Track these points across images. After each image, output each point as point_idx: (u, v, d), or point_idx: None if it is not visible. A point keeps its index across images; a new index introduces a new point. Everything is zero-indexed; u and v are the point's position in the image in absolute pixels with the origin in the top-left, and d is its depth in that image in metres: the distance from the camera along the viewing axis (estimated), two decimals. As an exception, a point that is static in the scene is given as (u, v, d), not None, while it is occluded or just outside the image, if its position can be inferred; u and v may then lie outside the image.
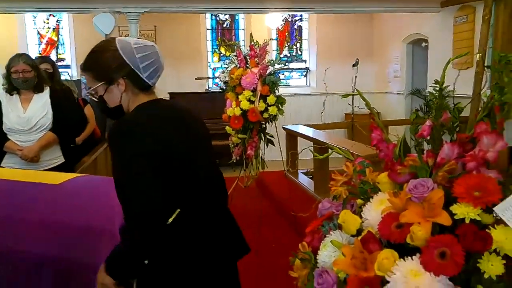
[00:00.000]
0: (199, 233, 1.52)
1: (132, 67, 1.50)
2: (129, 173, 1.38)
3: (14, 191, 1.83)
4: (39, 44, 7.77)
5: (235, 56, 3.95)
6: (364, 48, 8.31)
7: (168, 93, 7.42)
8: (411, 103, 7.37)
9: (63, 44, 7.87)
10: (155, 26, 7.53)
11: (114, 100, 1.55)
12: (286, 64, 7.70)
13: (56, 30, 7.84)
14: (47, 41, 7.80)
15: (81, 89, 5.25)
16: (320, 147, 4.23)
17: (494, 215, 0.87)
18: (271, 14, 7.60)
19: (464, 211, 0.87)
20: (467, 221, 0.86)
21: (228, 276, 1.64)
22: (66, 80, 4.52)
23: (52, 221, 1.68)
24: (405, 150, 1.08)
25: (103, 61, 1.51)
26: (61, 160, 3.26)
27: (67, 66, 7.75)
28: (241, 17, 8.32)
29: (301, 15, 8.57)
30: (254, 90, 3.70)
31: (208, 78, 8.11)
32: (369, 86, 8.20)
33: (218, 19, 8.34)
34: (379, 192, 1.05)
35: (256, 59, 3.79)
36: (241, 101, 3.70)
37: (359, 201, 1.08)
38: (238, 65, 3.83)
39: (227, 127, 3.91)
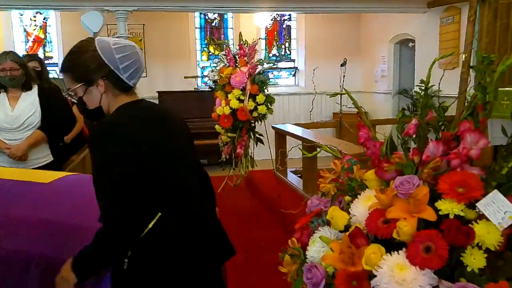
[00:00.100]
0: (181, 236, 1.50)
1: (112, 67, 1.48)
2: (107, 179, 1.37)
3: (3, 190, 1.82)
4: (25, 42, 7.69)
5: (224, 55, 3.96)
6: (352, 48, 8.36)
7: (157, 91, 7.40)
8: (398, 102, 7.43)
9: (51, 42, 7.79)
10: (143, 24, 7.49)
11: (94, 102, 1.52)
12: (275, 63, 7.73)
13: (43, 27, 7.75)
14: (34, 39, 7.72)
15: (69, 88, 5.20)
16: (309, 145, 4.27)
17: (477, 210, 0.90)
18: (260, 14, 7.61)
19: (448, 207, 0.90)
20: (451, 216, 0.89)
21: (211, 279, 1.61)
22: (54, 78, 4.48)
23: (41, 219, 1.67)
24: (392, 148, 1.11)
25: (82, 61, 1.48)
26: (49, 158, 3.24)
27: (55, 65, 7.67)
28: (230, 16, 8.31)
29: (289, 15, 8.60)
30: (243, 89, 3.72)
31: (197, 77, 8.10)
32: (357, 86, 8.26)
33: (207, 18, 8.33)
34: (367, 189, 1.07)
35: (245, 58, 3.80)
36: (230, 100, 3.72)
37: (347, 197, 1.10)
38: (228, 64, 3.85)
39: (216, 126, 3.92)
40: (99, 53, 1.47)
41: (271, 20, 8.55)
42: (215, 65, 4.11)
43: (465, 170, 0.96)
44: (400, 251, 0.89)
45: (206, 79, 7.44)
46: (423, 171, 0.98)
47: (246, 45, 3.86)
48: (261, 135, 3.95)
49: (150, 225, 1.43)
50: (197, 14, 8.12)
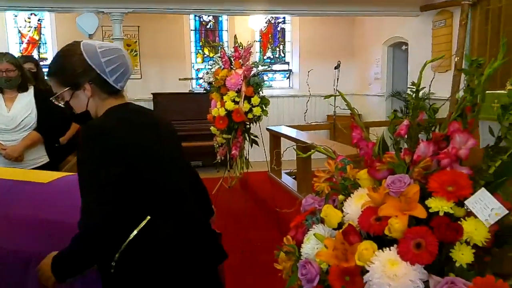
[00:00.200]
0: (171, 239, 1.49)
1: (98, 71, 1.48)
2: (93, 182, 1.36)
3: (2, 190, 1.83)
4: (20, 43, 7.67)
5: (219, 57, 3.98)
6: (346, 51, 8.41)
7: (152, 93, 7.41)
8: (392, 105, 7.48)
9: (45, 43, 7.77)
10: (138, 26, 7.50)
11: (81, 106, 1.52)
12: (270, 66, 7.76)
13: (38, 29, 7.74)
14: (28, 40, 7.70)
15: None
16: (304, 146, 4.30)
17: (466, 208, 0.92)
18: (255, 16, 7.64)
19: (438, 204, 0.92)
20: (441, 214, 0.91)
21: (203, 282, 1.59)
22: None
23: (40, 220, 1.68)
24: (384, 148, 1.13)
25: (68, 66, 1.48)
26: (45, 159, 3.25)
27: (49, 66, 7.65)
28: (224, 18, 8.34)
29: (284, 18, 8.63)
30: (238, 91, 3.75)
31: (192, 78, 8.11)
32: (351, 88, 8.31)
33: (201, 20, 8.35)
34: (359, 188, 1.09)
35: (240, 60, 3.83)
36: (225, 101, 3.74)
37: (341, 196, 1.13)
38: (223, 66, 3.87)
39: (212, 127, 3.94)
40: (85, 57, 1.47)
41: (266, 22, 8.59)
42: (210, 67, 4.14)
43: (454, 169, 0.99)
44: (391, 247, 0.91)
45: (201, 81, 7.46)
46: (414, 170, 1.00)
47: (241, 47, 3.89)
48: (256, 136, 3.98)
49: (138, 229, 1.43)
50: (192, 16, 8.13)
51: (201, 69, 8.14)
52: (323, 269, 1.01)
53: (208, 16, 8.21)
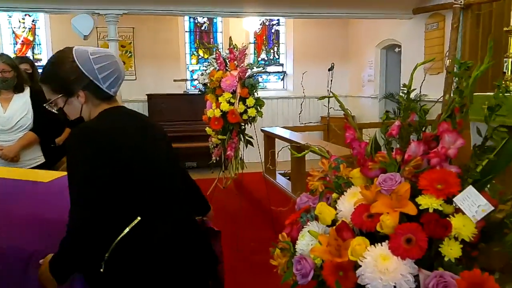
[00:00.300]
0: (161, 240, 1.49)
1: (91, 78, 1.48)
2: (82, 183, 1.36)
3: (3, 189, 1.84)
4: (14, 44, 7.64)
5: (214, 58, 4.01)
6: (340, 53, 8.45)
7: (146, 94, 7.42)
8: (385, 106, 7.53)
9: (40, 44, 7.75)
10: (133, 27, 7.50)
11: (75, 112, 1.52)
12: (264, 67, 7.79)
13: (32, 30, 7.71)
14: (22, 41, 7.68)
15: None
16: (298, 146, 4.33)
17: (454, 205, 0.96)
18: (249, 18, 7.67)
19: (428, 202, 0.95)
20: (430, 210, 0.94)
21: (193, 285, 1.58)
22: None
23: (41, 219, 1.69)
24: (376, 148, 1.17)
25: (61, 73, 1.47)
26: (41, 160, 3.26)
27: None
28: (219, 20, 8.35)
29: (278, 20, 8.67)
30: (233, 92, 3.77)
31: (186, 80, 8.12)
32: (344, 90, 8.36)
33: (196, 21, 8.36)
34: (352, 186, 1.12)
35: (236, 62, 3.86)
36: (221, 102, 3.77)
37: (334, 194, 1.15)
38: (218, 67, 3.90)
39: (207, 128, 3.97)
40: (78, 64, 1.46)
41: (260, 24, 8.62)
42: (205, 68, 4.16)
43: (443, 168, 1.02)
44: (383, 243, 0.94)
45: (195, 82, 7.47)
46: (405, 169, 1.03)
47: (236, 49, 3.92)
48: (251, 137, 4.01)
49: (128, 229, 1.43)
50: (186, 18, 8.14)
51: (196, 70, 8.16)
52: (317, 265, 1.03)
53: (203, 17, 8.22)
